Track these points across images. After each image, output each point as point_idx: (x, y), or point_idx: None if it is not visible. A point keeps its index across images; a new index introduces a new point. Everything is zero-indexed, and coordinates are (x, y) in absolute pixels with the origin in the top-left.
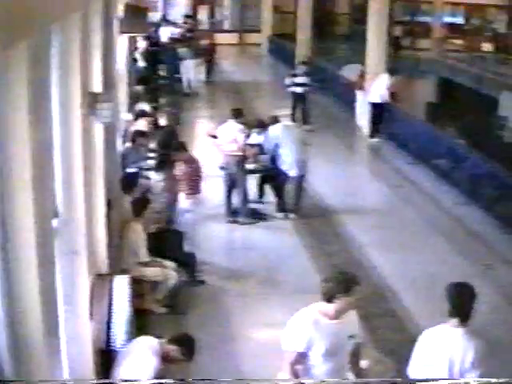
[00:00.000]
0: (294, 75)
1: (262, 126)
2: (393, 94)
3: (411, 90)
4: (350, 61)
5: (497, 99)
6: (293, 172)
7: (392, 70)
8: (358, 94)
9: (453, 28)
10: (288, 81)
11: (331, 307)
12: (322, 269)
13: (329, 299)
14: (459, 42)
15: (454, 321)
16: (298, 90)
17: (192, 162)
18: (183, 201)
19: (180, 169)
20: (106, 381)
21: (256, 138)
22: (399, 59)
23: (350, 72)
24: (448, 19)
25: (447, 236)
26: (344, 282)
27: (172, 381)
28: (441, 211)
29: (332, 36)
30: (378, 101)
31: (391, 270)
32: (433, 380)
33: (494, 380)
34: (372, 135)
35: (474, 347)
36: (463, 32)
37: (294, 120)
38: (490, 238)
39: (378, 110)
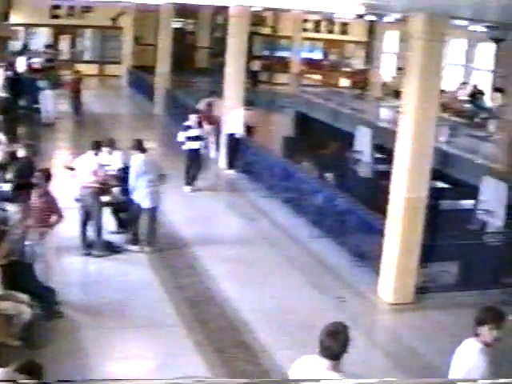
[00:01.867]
0: (188, 127)
1: (112, 145)
2: (249, 128)
3: (269, 123)
4: (208, 94)
5: (352, 134)
6: (146, 203)
7: (249, 104)
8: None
9: (311, 63)
10: (181, 136)
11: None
12: (176, 302)
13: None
14: (317, 77)
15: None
16: (194, 145)
17: (45, 195)
18: (36, 233)
19: (34, 201)
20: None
21: (107, 158)
22: (257, 93)
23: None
24: (307, 54)
25: (301, 269)
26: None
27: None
28: (295, 245)
29: (192, 69)
30: (234, 133)
31: (245, 302)
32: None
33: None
34: (228, 167)
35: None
36: (321, 67)
37: (189, 183)
38: (344, 271)
39: (233, 142)
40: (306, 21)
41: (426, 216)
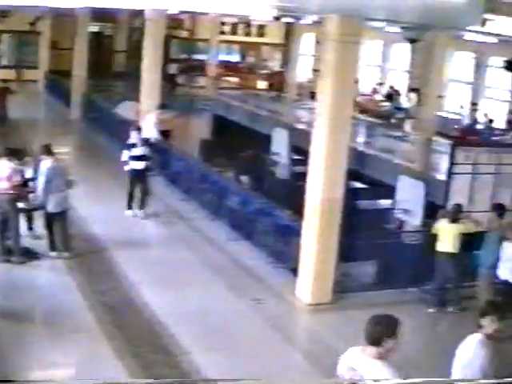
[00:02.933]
0: (132, 146)
1: (26, 151)
2: (166, 131)
3: (186, 127)
4: (125, 98)
5: (270, 136)
6: (54, 208)
7: (166, 107)
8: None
9: (228, 66)
10: (125, 155)
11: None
12: (95, 307)
13: (375, 342)
14: (234, 79)
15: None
16: (138, 165)
17: None
18: None
19: None
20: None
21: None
22: (175, 96)
23: (124, 110)
24: (224, 57)
25: (220, 272)
26: (391, 325)
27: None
28: (213, 247)
29: (109, 73)
30: (149, 137)
31: (164, 306)
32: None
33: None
34: None
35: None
36: (238, 70)
37: (130, 207)
38: (262, 273)
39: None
40: (223, 24)
41: (344, 216)
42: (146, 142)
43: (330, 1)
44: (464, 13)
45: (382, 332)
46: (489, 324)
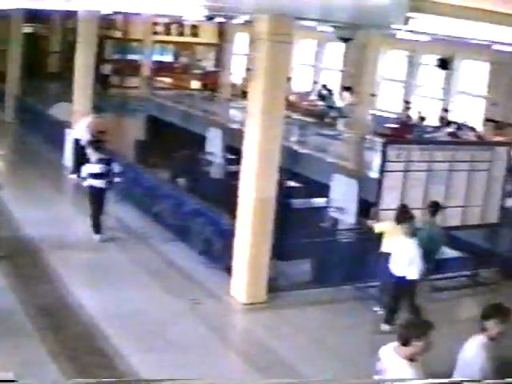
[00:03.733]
0: (90, 161)
1: None
2: (100, 133)
3: (120, 128)
4: (60, 99)
5: (204, 136)
6: None
7: (99, 108)
8: (68, 134)
9: (162, 66)
10: (84, 171)
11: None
12: (29, 310)
13: (404, 343)
14: (168, 79)
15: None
16: (97, 183)
17: None
18: None
19: None
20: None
21: None
22: (109, 97)
23: (59, 111)
24: (158, 57)
25: (154, 273)
26: (421, 327)
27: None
28: (148, 249)
29: (44, 74)
30: (82, 138)
31: (99, 308)
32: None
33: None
34: (73, 172)
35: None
36: (172, 70)
37: (97, 230)
38: (197, 274)
39: (79, 147)
40: (156, 24)
41: (278, 215)
42: (77, 142)
43: (261, 0)
44: (387, 11)
45: (411, 333)
46: (492, 327)
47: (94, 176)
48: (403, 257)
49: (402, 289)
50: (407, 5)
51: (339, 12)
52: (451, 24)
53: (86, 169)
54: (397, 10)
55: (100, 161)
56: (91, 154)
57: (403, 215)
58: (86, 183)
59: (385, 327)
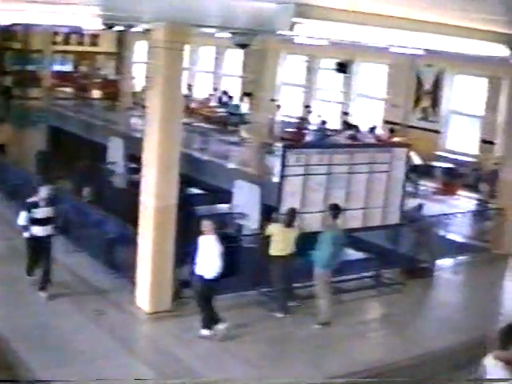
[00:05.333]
0: (34, 206)
1: None
2: (1, 145)
3: (22, 139)
4: None
5: (106, 145)
6: None
7: (1, 120)
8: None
9: (62, 76)
10: (23, 219)
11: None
12: None
13: (501, 347)
14: (69, 89)
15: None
16: (41, 231)
17: None
18: None
19: None
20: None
21: None
22: (10, 109)
23: None
24: (58, 67)
25: (59, 285)
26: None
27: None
28: (52, 261)
29: None
30: None
31: (4, 322)
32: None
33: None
34: None
35: None
36: (73, 79)
37: (44, 287)
38: (101, 284)
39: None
40: (56, 34)
41: (182, 222)
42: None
43: (157, 9)
44: (275, 17)
45: (508, 338)
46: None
47: (39, 223)
48: (204, 255)
49: (205, 289)
50: (293, 10)
51: (232, 19)
52: (342, 29)
53: (27, 215)
54: (283, 15)
55: (47, 203)
56: (40, 193)
57: (291, 219)
58: (27, 233)
59: (205, 332)
